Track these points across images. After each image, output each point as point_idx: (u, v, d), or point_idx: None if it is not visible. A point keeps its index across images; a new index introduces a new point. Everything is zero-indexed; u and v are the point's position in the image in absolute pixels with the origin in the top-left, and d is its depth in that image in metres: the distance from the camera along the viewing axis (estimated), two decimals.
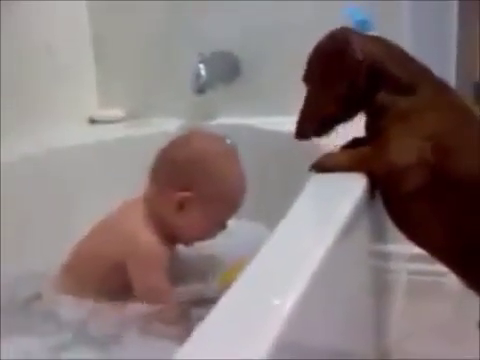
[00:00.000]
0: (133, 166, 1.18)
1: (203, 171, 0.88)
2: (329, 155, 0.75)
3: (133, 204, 0.92)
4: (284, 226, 0.57)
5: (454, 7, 1.12)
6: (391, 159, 0.69)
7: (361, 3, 1.07)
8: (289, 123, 1.01)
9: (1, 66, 1.02)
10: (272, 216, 0.61)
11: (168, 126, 1.25)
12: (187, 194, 0.87)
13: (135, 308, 0.84)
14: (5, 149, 1.00)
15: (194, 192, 0.87)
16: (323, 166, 0.73)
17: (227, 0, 1.21)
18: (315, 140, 0.77)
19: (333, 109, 0.74)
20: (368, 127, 0.76)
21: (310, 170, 0.74)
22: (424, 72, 0.74)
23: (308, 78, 0.76)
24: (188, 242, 0.93)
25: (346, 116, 0.75)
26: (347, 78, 0.72)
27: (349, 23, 1.00)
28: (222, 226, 0.92)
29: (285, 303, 0.42)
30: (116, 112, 1.31)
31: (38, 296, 0.89)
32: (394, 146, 0.69)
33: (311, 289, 0.45)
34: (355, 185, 0.68)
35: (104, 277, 0.87)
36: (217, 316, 0.40)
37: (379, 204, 0.73)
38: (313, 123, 0.75)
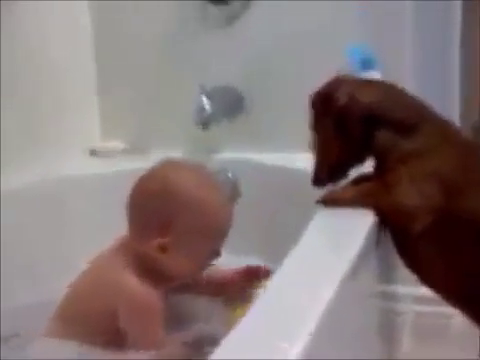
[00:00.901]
0: None
1: (178, 207, 0.81)
2: (336, 190, 0.74)
3: (116, 249, 0.87)
4: (289, 264, 0.56)
5: (457, 44, 1.13)
6: (399, 200, 0.69)
7: (364, 41, 1.09)
8: (292, 159, 1.02)
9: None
10: (276, 252, 0.60)
11: None
12: (166, 239, 0.81)
13: (129, 355, 0.82)
14: (6, 178, 1.00)
15: (173, 232, 0.81)
16: (330, 201, 0.72)
17: (231, 35, 1.22)
18: None
19: (335, 155, 0.74)
20: (375, 166, 0.76)
21: (316, 203, 0.73)
22: (426, 111, 0.74)
23: (310, 126, 0.77)
24: (182, 281, 0.88)
25: (354, 160, 0.75)
26: (336, 124, 0.72)
27: (352, 62, 1.01)
28: (214, 256, 0.87)
29: (293, 346, 0.40)
30: (117, 144, 1.31)
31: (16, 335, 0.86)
32: (401, 186, 0.69)
33: (318, 331, 0.43)
34: (362, 222, 0.67)
35: (95, 325, 0.84)
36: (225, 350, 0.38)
37: (386, 243, 0.72)
38: (324, 170, 0.75)
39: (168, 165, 0.87)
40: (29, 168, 1.07)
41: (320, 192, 0.75)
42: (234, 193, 1.22)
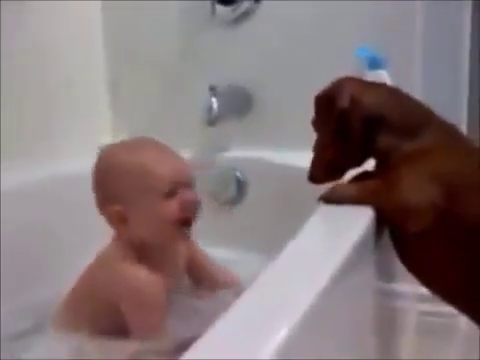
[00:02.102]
0: None
1: (113, 177, 0.85)
2: (338, 187, 0.74)
3: (114, 239, 0.90)
4: (284, 256, 0.56)
5: (467, 45, 1.12)
6: (400, 198, 0.68)
7: (373, 40, 1.09)
8: (300, 157, 1.02)
9: (2, 100, 1.04)
10: (281, 250, 0.60)
11: None
12: (116, 207, 0.84)
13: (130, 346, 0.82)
14: (15, 174, 1.01)
15: (122, 199, 0.84)
16: (331, 197, 0.73)
17: (240, 34, 1.23)
18: None
19: (332, 154, 0.74)
20: (376, 165, 0.76)
21: (318, 201, 0.73)
22: (429, 115, 0.74)
23: (313, 122, 0.78)
24: (159, 244, 0.87)
25: (353, 161, 0.76)
26: (337, 125, 0.73)
27: (361, 62, 1.01)
28: (178, 216, 0.85)
29: (275, 339, 0.39)
30: None
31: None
32: (403, 185, 0.69)
33: (305, 323, 0.43)
34: (362, 217, 0.67)
35: (98, 317, 0.85)
36: (205, 346, 0.39)
37: (388, 242, 0.72)
38: (320, 168, 0.76)
39: (103, 148, 0.90)
40: (39, 165, 1.09)
41: (325, 189, 0.76)
42: (241, 192, 1.24)
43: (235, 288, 0.95)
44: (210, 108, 1.15)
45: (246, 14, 1.22)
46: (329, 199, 0.73)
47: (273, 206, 1.15)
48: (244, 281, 0.97)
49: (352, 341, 0.60)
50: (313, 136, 0.81)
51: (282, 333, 0.40)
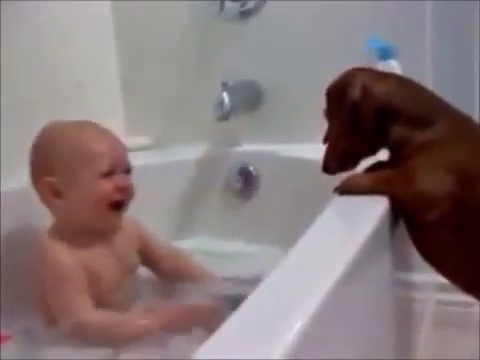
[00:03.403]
0: (159, 193, 1.20)
1: (51, 149, 0.85)
2: (353, 177, 0.75)
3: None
4: (302, 245, 0.57)
5: (477, 35, 1.12)
6: (417, 188, 0.69)
7: (384, 31, 1.08)
8: (310, 150, 1.03)
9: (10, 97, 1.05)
10: (294, 242, 0.61)
11: (192, 153, 1.27)
12: (49, 178, 0.83)
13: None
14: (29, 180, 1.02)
15: (57, 172, 0.83)
16: (346, 188, 0.73)
17: (250, 29, 1.23)
18: None
19: (345, 145, 0.75)
20: (390, 156, 0.76)
21: (334, 192, 0.74)
22: (441, 105, 0.74)
23: (326, 114, 0.78)
24: (97, 221, 0.85)
25: (365, 151, 0.76)
26: (349, 115, 0.73)
27: (371, 53, 1.01)
28: (112, 197, 0.84)
29: (294, 324, 0.40)
30: (142, 140, 1.34)
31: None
32: (419, 175, 0.69)
33: (323, 311, 0.43)
34: (377, 207, 0.67)
35: (40, 304, 0.83)
36: (223, 335, 0.39)
37: (404, 232, 0.72)
38: (334, 158, 0.76)
39: (48, 124, 0.89)
40: None
41: (338, 181, 0.76)
42: (254, 186, 1.24)
43: (211, 281, 0.93)
44: (222, 103, 1.15)
45: (255, 9, 1.22)
46: (344, 190, 0.73)
47: (286, 199, 1.15)
48: (260, 273, 0.98)
49: (369, 331, 0.60)
50: (324, 129, 0.81)
51: (298, 324, 0.40)
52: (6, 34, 1.04)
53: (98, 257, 0.84)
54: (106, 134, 0.88)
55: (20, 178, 0.92)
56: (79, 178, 0.83)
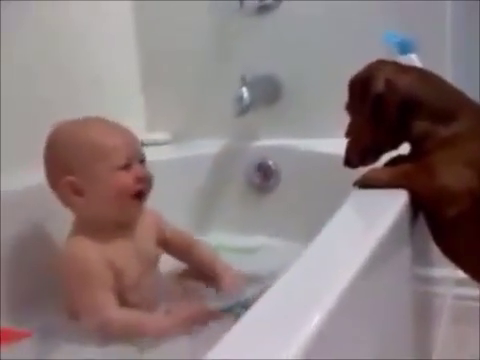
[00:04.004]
0: (178, 187, 1.21)
1: (66, 151, 0.85)
2: (373, 171, 0.75)
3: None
4: (320, 239, 0.57)
5: None
6: (437, 183, 0.68)
7: (403, 25, 1.07)
8: (329, 144, 1.03)
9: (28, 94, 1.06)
10: (314, 237, 0.61)
11: (212, 148, 1.28)
12: (69, 177, 0.84)
13: None
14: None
15: (76, 171, 0.84)
16: (367, 182, 0.73)
17: (269, 23, 1.23)
18: None
19: (368, 138, 0.74)
20: (411, 150, 0.76)
21: (354, 185, 0.74)
22: (463, 99, 0.73)
23: (347, 107, 0.78)
24: (115, 220, 0.85)
25: (387, 145, 0.76)
26: (372, 108, 0.72)
27: (390, 47, 1.00)
28: (133, 188, 0.85)
29: (311, 319, 0.40)
30: (163, 135, 1.35)
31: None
32: (440, 170, 0.69)
33: (341, 306, 0.43)
34: (396, 202, 0.67)
35: (65, 301, 0.84)
36: (241, 330, 0.40)
37: (423, 226, 0.72)
38: (356, 152, 0.76)
39: (55, 125, 0.89)
40: None
41: (358, 175, 0.76)
42: (272, 181, 1.24)
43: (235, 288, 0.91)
44: (241, 98, 1.16)
45: (273, 4, 1.22)
46: (364, 183, 0.73)
47: (305, 194, 1.16)
48: (279, 268, 0.98)
49: (387, 326, 0.60)
50: (343, 123, 0.81)
51: (315, 319, 0.40)
52: (22, 34, 1.05)
53: (121, 252, 0.85)
54: (117, 127, 0.89)
55: (34, 179, 0.93)
56: (98, 174, 0.84)
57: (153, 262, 0.92)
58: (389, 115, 0.72)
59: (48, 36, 1.12)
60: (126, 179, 0.85)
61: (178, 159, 1.28)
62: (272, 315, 0.42)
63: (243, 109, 1.16)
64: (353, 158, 0.77)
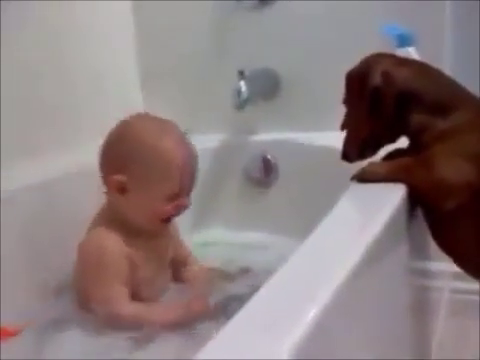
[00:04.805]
0: None
1: (132, 149, 0.84)
2: (370, 165, 0.75)
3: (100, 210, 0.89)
4: (317, 234, 0.57)
5: None
6: (435, 176, 0.68)
7: (402, 18, 1.07)
8: (329, 138, 1.03)
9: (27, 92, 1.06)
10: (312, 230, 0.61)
11: (210, 143, 1.27)
12: (120, 177, 0.84)
13: None
14: (49, 165, 1.04)
15: (128, 172, 0.84)
16: (364, 176, 0.73)
17: (267, 18, 1.23)
18: None
19: (366, 132, 0.74)
20: (409, 144, 0.76)
21: (351, 180, 0.74)
22: (461, 92, 0.73)
23: (345, 101, 0.77)
24: (142, 226, 0.87)
25: (385, 138, 0.75)
26: (370, 102, 0.72)
27: (388, 39, 1.00)
28: (173, 205, 0.86)
29: (307, 314, 0.40)
30: None
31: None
32: (438, 164, 0.69)
33: (337, 300, 0.44)
34: (394, 195, 0.67)
35: (84, 291, 0.84)
36: (237, 324, 0.40)
37: (421, 220, 0.72)
38: (354, 146, 0.76)
39: (132, 116, 0.89)
40: (73, 158, 1.11)
41: (356, 169, 0.76)
42: (272, 174, 1.24)
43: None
44: (239, 92, 1.16)
45: None
46: (362, 178, 0.73)
47: (305, 187, 1.16)
48: (277, 262, 0.98)
49: (384, 320, 0.60)
50: (342, 116, 0.81)
51: (311, 314, 0.40)
52: (23, 34, 1.05)
53: (140, 250, 0.86)
54: (188, 147, 0.88)
55: (35, 174, 0.93)
56: (148, 190, 0.84)
57: (167, 264, 0.95)
58: (387, 108, 0.72)
59: (48, 36, 1.12)
60: (167, 208, 0.86)
61: None
62: (267, 310, 0.42)
63: (241, 103, 1.16)
64: (351, 152, 0.76)
